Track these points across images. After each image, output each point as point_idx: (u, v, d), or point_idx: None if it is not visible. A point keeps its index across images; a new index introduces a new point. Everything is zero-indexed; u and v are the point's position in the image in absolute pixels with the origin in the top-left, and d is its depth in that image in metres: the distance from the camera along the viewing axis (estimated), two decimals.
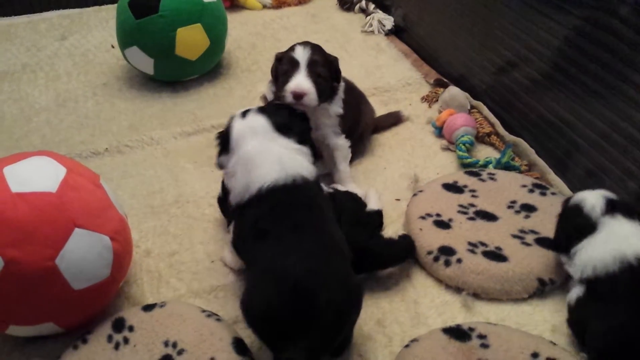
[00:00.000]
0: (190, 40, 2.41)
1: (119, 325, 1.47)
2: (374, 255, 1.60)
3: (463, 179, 1.93)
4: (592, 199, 1.51)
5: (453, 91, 2.31)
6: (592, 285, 1.43)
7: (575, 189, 1.86)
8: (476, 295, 1.59)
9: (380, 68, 2.68)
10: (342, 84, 1.91)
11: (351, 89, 2.02)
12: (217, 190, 1.83)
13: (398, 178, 2.03)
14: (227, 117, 2.30)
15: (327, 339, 1.31)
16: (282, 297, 1.27)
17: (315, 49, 1.81)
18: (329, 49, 1.88)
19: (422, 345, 1.42)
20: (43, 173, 1.41)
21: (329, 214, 1.49)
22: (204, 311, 1.51)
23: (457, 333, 1.44)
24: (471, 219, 1.77)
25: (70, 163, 1.50)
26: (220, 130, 1.62)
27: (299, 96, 1.71)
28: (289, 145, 1.51)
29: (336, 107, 1.88)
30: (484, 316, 1.55)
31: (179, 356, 1.39)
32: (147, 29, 2.37)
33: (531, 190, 1.86)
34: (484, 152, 2.14)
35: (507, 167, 2.01)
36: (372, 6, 3.12)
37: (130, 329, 1.46)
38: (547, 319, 1.53)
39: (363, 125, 2.11)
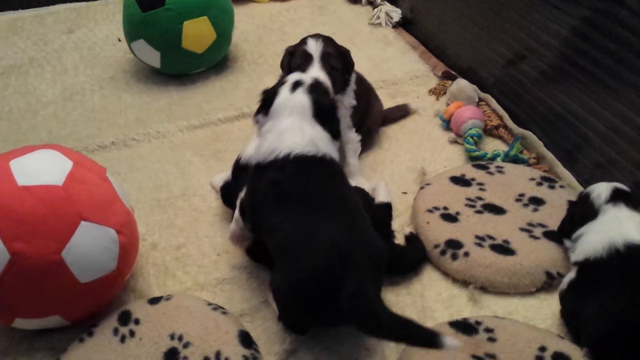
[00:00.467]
0: (197, 33, 2.41)
1: (125, 318, 1.48)
2: None
3: (471, 172, 1.91)
4: (601, 188, 1.53)
5: (461, 84, 2.29)
6: (583, 269, 1.45)
7: (583, 182, 1.84)
8: (483, 289, 1.58)
9: (388, 61, 2.66)
10: (354, 75, 1.90)
11: (360, 80, 2.01)
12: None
13: (405, 171, 2.02)
14: (234, 110, 2.34)
15: (373, 283, 1.35)
16: (328, 260, 1.31)
17: (328, 41, 1.82)
18: (336, 41, 1.87)
19: None
20: (49, 166, 1.41)
21: (351, 188, 1.53)
22: (209, 304, 1.51)
23: (464, 327, 1.43)
24: (479, 212, 1.76)
25: (76, 156, 1.50)
26: (266, 89, 1.61)
27: None
28: (323, 134, 1.51)
29: (350, 99, 1.89)
30: (491, 310, 1.54)
31: (185, 349, 1.39)
32: (153, 22, 2.37)
33: (539, 184, 1.84)
34: (492, 145, 2.13)
35: (516, 160, 1.99)
36: None
37: (136, 322, 1.46)
38: (554, 313, 1.51)
39: (371, 117, 2.10)
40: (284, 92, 1.55)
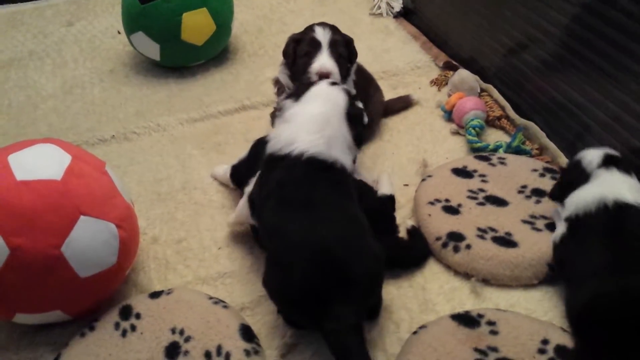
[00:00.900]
0: (196, 25, 2.39)
1: (126, 312, 1.47)
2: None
3: (473, 163, 1.90)
4: (592, 154, 1.57)
5: (463, 74, 2.27)
6: (573, 223, 1.49)
7: None
8: (485, 281, 1.58)
9: (389, 51, 2.64)
10: (354, 65, 1.90)
11: (360, 70, 2.00)
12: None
13: (406, 163, 2.01)
14: (234, 102, 2.33)
15: (360, 304, 1.33)
16: (316, 265, 1.30)
17: (334, 29, 1.83)
18: None
19: (431, 331, 1.40)
20: (48, 161, 1.41)
21: (355, 200, 1.50)
22: (211, 298, 1.51)
23: (466, 319, 1.42)
24: (481, 204, 1.75)
25: (75, 150, 1.49)
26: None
27: (324, 76, 1.72)
28: (345, 134, 1.51)
29: (350, 89, 1.87)
30: (493, 302, 1.53)
31: (186, 343, 1.39)
32: (152, 14, 2.35)
33: (542, 175, 1.83)
34: (494, 136, 2.11)
35: (518, 151, 1.98)
36: None
37: (137, 316, 1.46)
38: (557, 305, 1.51)
39: (371, 109, 2.08)
40: (323, 84, 1.58)
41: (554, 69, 1.97)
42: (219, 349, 1.37)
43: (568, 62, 1.88)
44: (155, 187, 1.96)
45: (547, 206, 1.71)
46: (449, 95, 2.25)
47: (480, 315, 1.43)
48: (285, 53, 1.87)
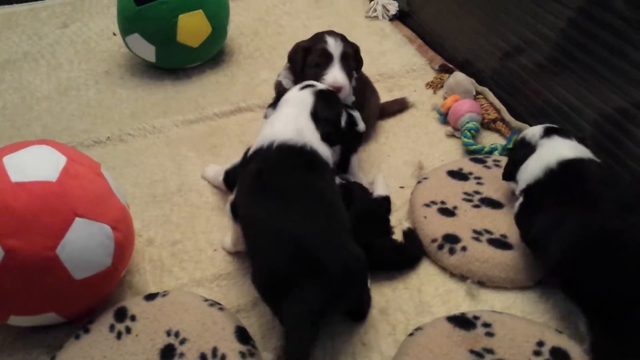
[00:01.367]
0: (192, 26, 2.39)
1: (121, 314, 1.47)
2: (379, 256, 1.57)
3: (468, 166, 1.91)
4: (534, 129, 1.68)
5: (458, 77, 2.28)
6: (528, 194, 1.57)
7: None
8: (481, 284, 1.58)
9: (385, 54, 2.65)
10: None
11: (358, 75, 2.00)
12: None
13: (402, 165, 2.01)
14: (230, 104, 2.33)
15: (325, 299, 1.31)
16: (284, 256, 1.31)
17: (344, 40, 1.83)
18: None
19: (427, 333, 1.40)
20: (43, 162, 1.40)
21: (335, 190, 1.53)
22: (206, 300, 1.50)
23: (462, 321, 1.43)
24: (476, 206, 1.75)
25: (70, 152, 1.48)
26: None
27: (337, 90, 1.74)
28: (313, 131, 1.56)
29: (350, 96, 1.87)
30: (488, 304, 1.53)
31: (182, 345, 1.38)
32: (148, 16, 2.35)
33: None
34: (490, 139, 2.12)
35: None
36: None
37: (133, 318, 1.45)
38: (552, 307, 1.51)
39: (367, 111, 2.08)
40: (294, 89, 1.67)
41: (549, 72, 1.98)
42: (214, 351, 1.37)
43: (563, 65, 1.89)
44: (150, 189, 1.95)
45: None
46: (445, 98, 2.26)
47: (476, 317, 1.43)
48: (291, 59, 1.87)
